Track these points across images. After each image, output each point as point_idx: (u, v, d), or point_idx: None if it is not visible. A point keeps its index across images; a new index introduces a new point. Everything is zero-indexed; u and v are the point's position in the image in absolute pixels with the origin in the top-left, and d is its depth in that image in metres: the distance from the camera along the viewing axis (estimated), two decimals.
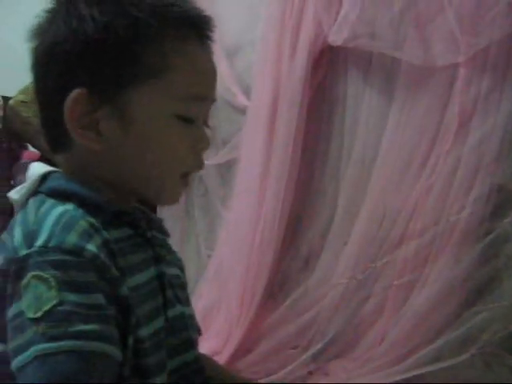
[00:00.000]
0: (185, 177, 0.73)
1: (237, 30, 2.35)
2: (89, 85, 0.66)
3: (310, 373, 1.99)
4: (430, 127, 1.85)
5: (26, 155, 2.96)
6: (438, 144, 1.84)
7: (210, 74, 0.73)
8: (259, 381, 1.94)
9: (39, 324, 0.56)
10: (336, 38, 2.00)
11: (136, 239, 0.71)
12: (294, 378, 1.97)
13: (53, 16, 0.69)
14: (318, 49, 2.09)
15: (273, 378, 1.98)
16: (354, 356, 1.94)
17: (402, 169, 1.90)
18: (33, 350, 0.55)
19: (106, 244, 0.63)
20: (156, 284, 0.71)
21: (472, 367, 1.72)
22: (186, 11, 0.70)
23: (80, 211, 0.64)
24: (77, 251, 0.59)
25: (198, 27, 0.71)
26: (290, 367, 1.99)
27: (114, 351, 0.59)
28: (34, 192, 0.69)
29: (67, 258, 0.59)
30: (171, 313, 0.72)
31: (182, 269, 0.82)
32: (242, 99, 2.37)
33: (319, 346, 1.99)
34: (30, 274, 0.58)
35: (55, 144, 0.72)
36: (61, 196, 0.66)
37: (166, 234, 0.82)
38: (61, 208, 0.64)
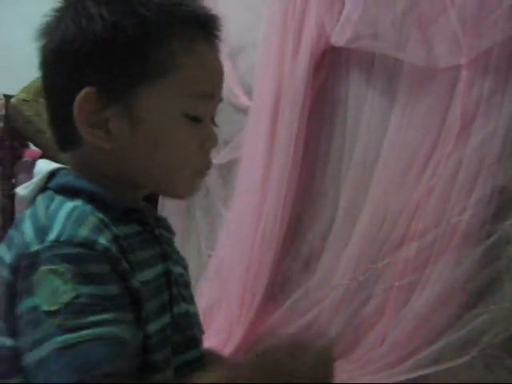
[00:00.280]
0: (193, 177, 0.74)
1: (239, 30, 2.35)
2: (98, 84, 0.67)
3: None
4: (432, 129, 1.85)
5: (27, 153, 2.96)
6: (439, 146, 1.83)
7: (218, 72, 0.74)
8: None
9: (56, 317, 0.56)
10: (338, 38, 2.00)
11: (144, 236, 0.72)
12: None
13: (61, 15, 0.69)
14: (320, 50, 2.09)
15: None
16: (354, 357, 1.94)
17: (404, 170, 1.90)
18: (52, 343, 0.56)
19: (116, 239, 0.63)
20: (163, 281, 0.71)
21: (473, 369, 1.72)
22: (194, 10, 0.71)
23: (89, 207, 0.65)
24: (89, 244, 0.60)
25: (206, 26, 0.72)
26: None
27: (134, 335, 0.60)
28: (42, 188, 0.69)
29: (80, 250, 0.59)
30: (176, 310, 0.73)
31: (185, 268, 0.82)
32: (243, 100, 2.37)
33: None
34: (43, 269, 0.58)
35: (63, 142, 0.73)
36: (69, 192, 0.66)
37: (171, 232, 0.82)
38: (71, 204, 0.64)
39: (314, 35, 2.06)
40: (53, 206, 0.64)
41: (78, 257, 0.59)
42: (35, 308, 0.57)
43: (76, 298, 0.57)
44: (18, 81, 2.51)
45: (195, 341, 0.76)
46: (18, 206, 2.52)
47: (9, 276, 0.61)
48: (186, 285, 0.80)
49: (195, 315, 0.79)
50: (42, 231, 0.61)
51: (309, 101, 2.12)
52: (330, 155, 2.14)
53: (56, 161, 0.74)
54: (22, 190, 0.72)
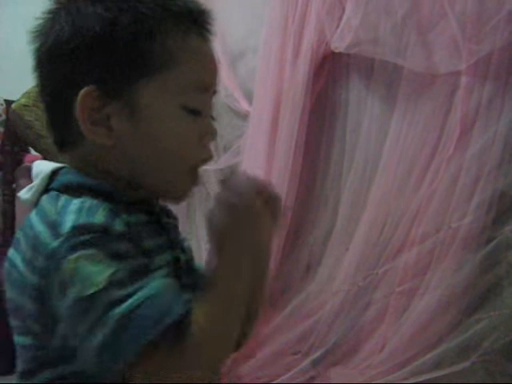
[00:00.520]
0: (193, 171, 0.74)
1: (239, 35, 2.35)
2: (97, 81, 0.67)
3: (312, 378, 1.98)
4: (432, 134, 1.85)
5: (28, 159, 2.96)
6: (439, 151, 1.83)
7: (212, 64, 0.75)
8: None
9: (103, 294, 0.58)
10: (338, 44, 2.01)
11: (152, 225, 0.73)
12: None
13: (54, 16, 0.70)
14: (321, 55, 2.09)
15: None
16: (354, 362, 1.93)
17: (404, 176, 1.90)
18: (110, 319, 0.57)
19: (128, 226, 0.65)
20: (172, 268, 0.73)
21: (473, 375, 1.71)
22: (186, 5, 0.72)
23: (96, 201, 0.66)
24: (107, 228, 0.62)
25: (198, 20, 0.73)
26: (290, 373, 1.98)
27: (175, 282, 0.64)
28: (45, 190, 0.70)
29: (99, 235, 0.61)
30: (186, 297, 0.74)
31: (190, 249, 0.85)
32: (244, 105, 2.38)
33: (320, 352, 1.99)
34: (70, 258, 0.59)
35: (63, 143, 0.73)
36: (74, 190, 0.67)
37: (174, 218, 0.83)
38: (78, 200, 0.65)
39: (314, 40, 2.06)
40: (60, 203, 0.65)
41: (99, 240, 0.61)
42: (79, 298, 0.59)
43: (112, 274, 0.59)
44: (19, 86, 2.51)
45: None
46: (19, 211, 2.52)
47: (32, 278, 0.62)
48: (190, 272, 0.81)
49: None
50: (54, 227, 0.62)
51: (309, 106, 2.12)
52: (330, 160, 2.15)
53: None
54: (24, 194, 0.72)
